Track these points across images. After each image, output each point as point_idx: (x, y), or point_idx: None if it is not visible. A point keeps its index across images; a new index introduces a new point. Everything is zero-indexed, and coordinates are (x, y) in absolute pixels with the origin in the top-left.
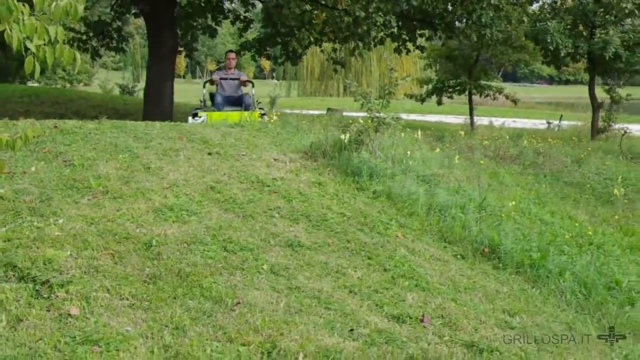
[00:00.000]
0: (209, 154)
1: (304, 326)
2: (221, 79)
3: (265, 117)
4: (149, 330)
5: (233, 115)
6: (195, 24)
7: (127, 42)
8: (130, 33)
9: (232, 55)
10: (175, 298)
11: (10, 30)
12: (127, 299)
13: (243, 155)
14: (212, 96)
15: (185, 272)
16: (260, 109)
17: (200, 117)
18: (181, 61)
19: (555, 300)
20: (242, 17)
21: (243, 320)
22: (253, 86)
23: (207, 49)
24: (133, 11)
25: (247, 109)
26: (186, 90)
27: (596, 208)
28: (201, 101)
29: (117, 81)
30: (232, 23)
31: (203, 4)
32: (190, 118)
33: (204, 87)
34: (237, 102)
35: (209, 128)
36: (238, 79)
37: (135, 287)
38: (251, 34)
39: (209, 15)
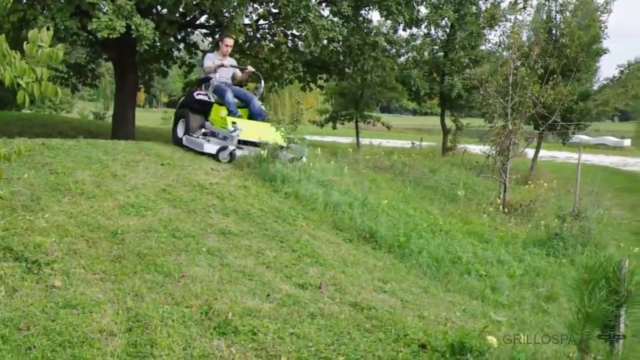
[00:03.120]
0: (162, 164)
1: (233, 293)
2: (219, 67)
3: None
4: (115, 297)
5: (258, 127)
6: (151, 67)
7: (99, 79)
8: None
9: (230, 42)
10: (135, 273)
11: (4, 71)
12: (99, 274)
13: (188, 165)
14: (216, 89)
15: (143, 253)
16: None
17: (233, 128)
18: (141, 94)
19: (415, 271)
20: (187, 62)
21: (187, 289)
22: (260, 80)
23: (161, 86)
24: (104, 56)
25: (256, 116)
26: (144, 117)
27: (445, 205)
28: (206, 97)
29: (91, 109)
30: (180, 67)
31: (157, 53)
32: (206, 144)
33: (202, 85)
34: (242, 98)
35: (162, 145)
36: (239, 69)
37: (104, 265)
38: (194, 75)
39: (162, 61)
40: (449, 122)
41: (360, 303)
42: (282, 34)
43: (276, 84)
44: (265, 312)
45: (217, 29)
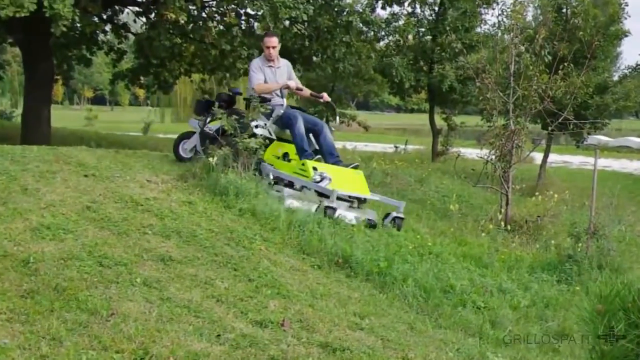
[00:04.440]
0: (85, 176)
1: (175, 333)
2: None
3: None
4: (27, 342)
5: (345, 174)
6: (70, 54)
7: (4, 69)
8: (8, 61)
9: (275, 40)
10: (52, 311)
11: None
12: (5, 313)
13: (118, 176)
14: (282, 117)
15: (62, 287)
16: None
17: (318, 177)
18: (58, 88)
19: (399, 303)
20: (115, 48)
21: (117, 330)
22: (335, 113)
23: (84, 77)
24: (9, 40)
25: (326, 155)
26: (63, 116)
27: (435, 222)
28: (267, 131)
29: None
30: (107, 54)
31: (77, 36)
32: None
33: (250, 104)
34: (306, 127)
35: (85, 151)
36: (311, 95)
37: (12, 301)
38: (125, 64)
39: (84, 46)
40: (439, 121)
41: (331, 343)
42: (233, 14)
43: (227, 75)
44: (215, 357)
45: (151, 7)
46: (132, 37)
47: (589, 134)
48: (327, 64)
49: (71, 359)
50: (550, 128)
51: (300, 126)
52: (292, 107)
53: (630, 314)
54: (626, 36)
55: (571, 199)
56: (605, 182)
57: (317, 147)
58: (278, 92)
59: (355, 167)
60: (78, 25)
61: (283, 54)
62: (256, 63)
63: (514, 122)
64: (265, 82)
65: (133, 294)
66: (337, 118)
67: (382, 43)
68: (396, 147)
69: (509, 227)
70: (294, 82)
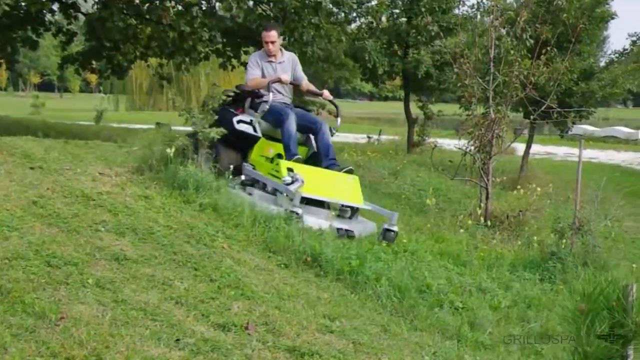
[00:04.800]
0: (31, 168)
1: (130, 338)
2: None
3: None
4: None
5: (327, 178)
6: (14, 35)
7: None
8: None
9: (273, 34)
10: None
11: None
12: None
13: (67, 169)
14: (272, 113)
15: (7, 289)
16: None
17: (289, 178)
18: (2, 73)
19: (372, 304)
20: (64, 29)
21: (67, 335)
22: (338, 113)
23: (30, 61)
24: None
25: (322, 156)
26: (7, 103)
27: (411, 217)
28: (251, 127)
29: None
30: (55, 35)
31: (22, 16)
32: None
33: (247, 101)
34: (303, 125)
35: (31, 141)
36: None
37: None
38: (75, 47)
39: (29, 27)
40: (415, 110)
41: (299, 347)
42: None
43: (187, 59)
44: None
45: None
46: (82, 18)
47: (573, 123)
48: (295, 47)
49: None
50: (532, 117)
51: (291, 124)
52: (296, 106)
53: (614, 313)
54: (613, 19)
55: (555, 192)
56: (590, 175)
57: (315, 150)
58: (277, 87)
59: (349, 172)
60: (22, 4)
61: (246, 36)
62: (254, 58)
63: (494, 110)
64: (263, 77)
65: (84, 296)
66: (339, 119)
67: (353, 25)
68: (369, 137)
69: (489, 223)
70: (286, 75)
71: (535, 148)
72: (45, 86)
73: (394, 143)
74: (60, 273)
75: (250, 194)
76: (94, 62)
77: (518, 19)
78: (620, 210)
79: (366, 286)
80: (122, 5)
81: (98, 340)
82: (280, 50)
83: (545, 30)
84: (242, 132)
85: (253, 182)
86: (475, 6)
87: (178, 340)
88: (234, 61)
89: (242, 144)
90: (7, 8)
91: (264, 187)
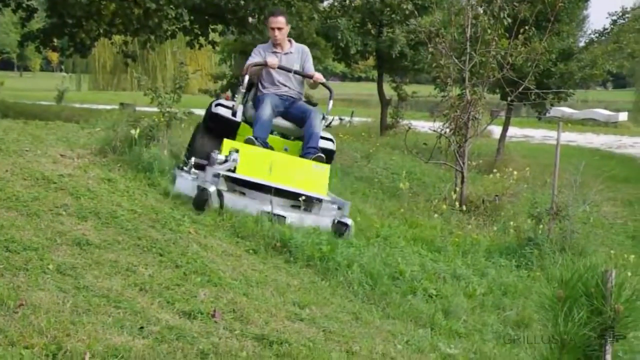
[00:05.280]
0: None
1: (92, 326)
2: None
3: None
4: None
5: (291, 164)
6: None
7: None
8: None
9: (280, 20)
10: None
11: None
12: None
13: (27, 151)
14: (257, 100)
15: None
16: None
17: (223, 157)
18: None
19: (343, 291)
20: (24, 5)
21: (27, 323)
22: (331, 97)
23: None
24: None
25: (305, 146)
26: None
27: (383, 202)
28: (231, 105)
29: None
30: (14, 11)
31: None
32: (179, 180)
33: (244, 76)
34: (295, 115)
35: None
36: (297, 73)
37: None
38: (36, 24)
39: None
40: (388, 91)
41: (268, 335)
42: None
43: (152, 37)
44: (138, 351)
45: None
46: None
47: (552, 105)
48: (265, 26)
49: None
50: (509, 98)
51: (264, 109)
52: (306, 101)
53: (593, 299)
54: None
55: (532, 176)
56: (569, 158)
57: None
58: (277, 79)
59: (319, 160)
60: None
61: (215, 14)
62: (258, 48)
63: (470, 91)
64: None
65: (45, 282)
66: (331, 102)
67: (325, 3)
68: (341, 119)
69: (464, 208)
70: (274, 58)
71: (512, 131)
72: (4, 64)
73: (367, 125)
74: (19, 258)
75: (196, 177)
76: (55, 40)
77: None
78: (599, 195)
79: (337, 273)
80: None
81: (58, 328)
82: (289, 41)
83: (524, 9)
84: (218, 115)
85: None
86: None
87: (142, 328)
88: (202, 39)
89: (221, 129)
90: None
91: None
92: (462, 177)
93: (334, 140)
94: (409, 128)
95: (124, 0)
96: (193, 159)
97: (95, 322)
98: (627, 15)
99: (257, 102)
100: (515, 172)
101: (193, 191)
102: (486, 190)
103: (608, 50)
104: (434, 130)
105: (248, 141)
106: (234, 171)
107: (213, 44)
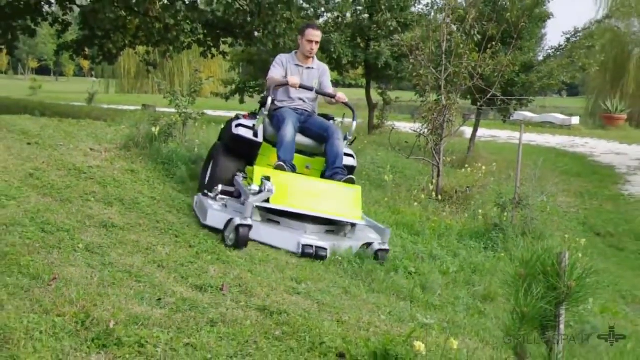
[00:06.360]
0: (29, 144)
1: (116, 297)
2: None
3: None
4: None
5: (322, 189)
6: (15, 24)
7: None
8: None
9: (319, 34)
10: None
11: None
12: None
13: (61, 145)
14: (273, 117)
15: (4, 252)
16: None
17: (257, 188)
18: (3, 58)
19: (334, 268)
20: (60, 20)
21: (59, 294)
22: (354, 117)
23: (29, 48)
24: None
25: (330, 166)
26: (7, 85)
27: (370, 191)
28: (252, 132)
29: None
30: (51, 25)
31: (22, 7)
32: (211, 212)
33: (267, 96)
34: (315, 131)
35: (29, 119)
36: (320, 94)
37: None
38: (70, 36)
39: (28, 17)
40: (375, 96)
41: (269, 307)
42: None
43: (171, 48)
44: (156, 320)
45: None
46: (77, 9)
47: (515, 110)
48: (268, 39)
49: (12, 322)
50: (479, 104)
51: (287, 129)
52: (320, 115)
53: (549, 277)
54: (549, 18)
55: (498, 171)
56: (529, 156)
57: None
58: (292, 93)
59: (349, 181)
60: None
61: (225, 28)
62: (280, 58)
63: (446, 97)
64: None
65: (75, 259)
66: (354, 124)
67: (321, 20)
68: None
69: (439, 197)
70: (295, 78)
71: (481, 132)
72: (43, 70)
73: (357, 125)
74: (53, 238)
75: (225, 206)
76: (86, 49)
77: (467, 16)
78: (555, 187)
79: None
80: None
81: (87, 299)
82: (313, 57)
83: (491, 28)
84: (239, 136)
85: (238, 196)
86: (430, 5)
87: (160, 299)
88: (214, 50)
89: (243, 150)
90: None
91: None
92: (438, 171)
93: (354, 155)
94: (393, 128)
95: (147, 16)
96: (220, 187)
97: (119, 294)
98: (578, 34)
99: (275, 120)
100: (483, 167)
101: (220, 221)
102: (459, 182)
103: (562, 64)
104: (414, 131)
105: (278, 167)
106: (267, 200)
107: (223, 54)
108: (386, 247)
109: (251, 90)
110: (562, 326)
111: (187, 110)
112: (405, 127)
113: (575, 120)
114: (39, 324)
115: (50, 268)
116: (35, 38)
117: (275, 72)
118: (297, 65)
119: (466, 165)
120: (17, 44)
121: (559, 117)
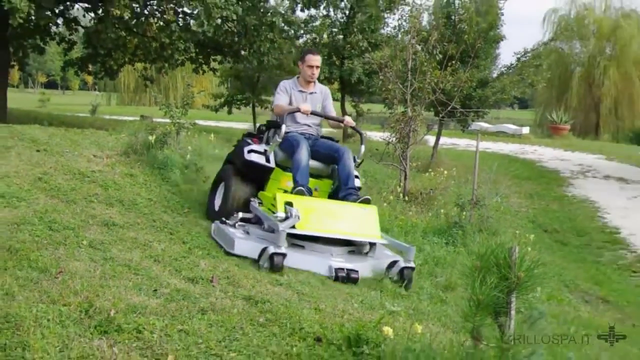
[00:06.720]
0: (38, 150)
1: (116, 289)
2: (295, 113)
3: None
4: None
5: (341, 212)
6: (25, 43)
7: None
8: None
9: (319, 59)
10: (6, 269)
11: None
12: None
13: (67, 151)
14: (283, 141)
15: (15, 248)
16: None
17: (283, 214)
18: (14, 73)
19: None
20: (66, 39)
21: (65, 286)
22: (362, 141)
23: (38, 64)
24: None
25: (343, 186)
26: (19, 98)
27: None
28: (264, 157)
29: None
30: (59, 44)
31: (32, 27)
32: (238, 242)
33: (280, 123)
34: (324, 154)
35: (38, 129)
36: (328, 118)
37: None
38: (75, 53)
39: (38, 37)
40: (349, 108)
41: (254, 297)
42: (172, 12)
43: (166, 64)
44: (152, 309)
45: (99, 3)
46: (81, 30)
47: (472, 121)
48: (254, 57)
49: (22, 311)
50: (441, 115)
51: (302, 153)
52: (323, 137)
53: (501, 269)
54: (502, 40)
55: (458, 175)
56: (485, 161)
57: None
58: (299, 118)
59: (365, 202)
60: (33, 17)
61: (215, 47)
62: (284, 84)
63: (411, 109)
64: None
65: (79, 254)
66: (362, 147)
67: (301, 40)
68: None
69: (406, 198)
70: (307, 106)
71: (443, 140)
72: (51, 85)
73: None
74: (59, 236)
75: (247, 232)
76: (90, 66)
77: (430, 38)
78: (508, 189)
79: None
80: (114, 20)
81: (90, 290)
82: (314, 81)
83: (451, 48)
84: (252, 162)
85: (257, 222)
86: (397, 27)
87: (155, 290)
88: (205, 67)
89: (255, 175)
90: (20, 21)
91: (263, 226)
92: (405, 175)
93: (359, 175)
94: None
95: (145, 36)
96: (240, 214)
97: (119, 286)
98: (528, 54)
99: (285, 144)
100: (445, 172)
101: (254, 252)
102: (423, 185)
103: (514, 80)
104: (384, 139)
105: (299, 192)
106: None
107: (213, 70)
108: (412, 264)
109: (238, 102)
110: (512, 312)
111: (181, 121)
112: (376, 135)
113: (526, 130)
114: (46, 312)
115: (57, 262)
116: (44, 55)
117: (281, 100)
118: (300, 91)
119: (430, 170)
120: (28, 61)
121: (511, 128)
